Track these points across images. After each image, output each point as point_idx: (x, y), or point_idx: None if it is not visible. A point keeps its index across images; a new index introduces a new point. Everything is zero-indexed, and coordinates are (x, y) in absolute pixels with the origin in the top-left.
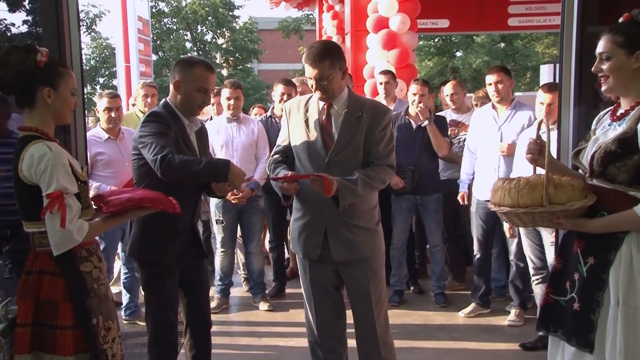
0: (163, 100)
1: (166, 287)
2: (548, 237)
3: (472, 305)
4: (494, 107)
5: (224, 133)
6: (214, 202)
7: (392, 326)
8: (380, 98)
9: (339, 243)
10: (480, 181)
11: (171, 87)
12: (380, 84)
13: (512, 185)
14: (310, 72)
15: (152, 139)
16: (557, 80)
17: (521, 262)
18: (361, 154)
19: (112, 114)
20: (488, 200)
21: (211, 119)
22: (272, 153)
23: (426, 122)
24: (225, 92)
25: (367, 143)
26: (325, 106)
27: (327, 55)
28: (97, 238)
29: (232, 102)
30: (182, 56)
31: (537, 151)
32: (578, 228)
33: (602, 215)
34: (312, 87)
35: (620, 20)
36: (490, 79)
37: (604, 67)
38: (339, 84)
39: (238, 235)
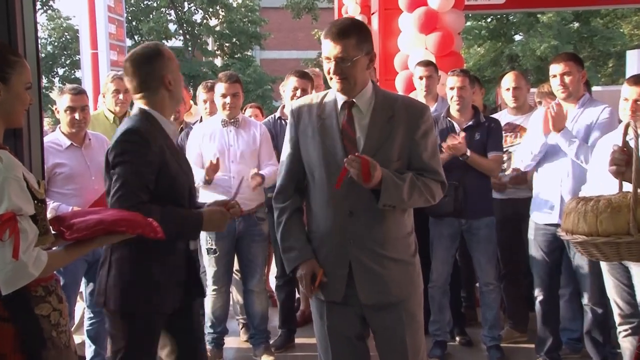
0: (137, 110)
1: (154, 344)
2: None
3: None
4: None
5: (219, 139)
6: None
7: None
8: (419, 96)
9: (367, 281)
10: (540, 199)
11: (158, 87)
12: (420, 78)
13: (589, 207)
14: (330, 49)
15: (123, 177)
16: None
17: (599, 307)
18: (395, 166)
19: (76, 115)
20: (551, 225)
21: (201, 120)
22: (275, 195)
23: (463, 158)
24: (221, 88)
25: (404, 153)
26: (345, 104)
27: (355, 31)
28: (56, 272)
29: (228, 100)
30: (143, 48)
31: (624, 161)
32: None
33: None
34: (328, 73)
35: None
36: (556, 69)
37: None
38: (363, 73)
39: (235, 269)
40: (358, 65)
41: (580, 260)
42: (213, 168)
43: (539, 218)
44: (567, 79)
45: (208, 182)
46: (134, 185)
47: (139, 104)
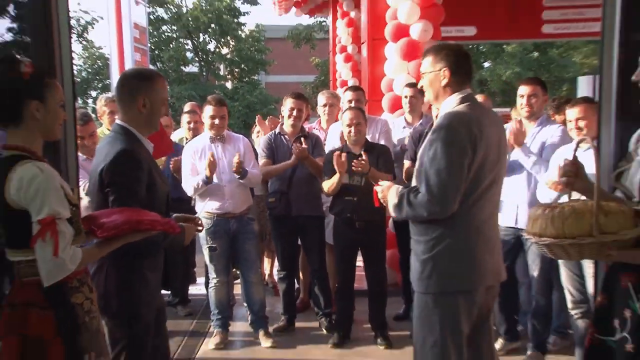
0: (117, 127)
1: (149, 325)
2: (590, 266)
3: (499, 342)
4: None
5: (205, 152)
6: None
7: None
8: (405, 112)
9: None
10: (502, 205)
11: (132, 106)
12: (405, 97)
13: (556, 213)
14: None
15: (119, 195)
16: (596, 94)
17: (542, 298)
18: None
19: (85, 142)
20: (510, 227)
21: (186, 140)
22: None
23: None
24: (209, 110)
25: None
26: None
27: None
28: (87, 266)
29: (217, 121)
30: (129, 71)
31: (573, 173)
32: (631, 260)
33: None
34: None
35: None
36: (524, 90)
37: None
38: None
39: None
40: None
41: (531, 258)
42: (211, 165)
43: (501, 221)
44: (532, 100)
45: (209, 179)
46: (126, 202)
47: (118, 118)
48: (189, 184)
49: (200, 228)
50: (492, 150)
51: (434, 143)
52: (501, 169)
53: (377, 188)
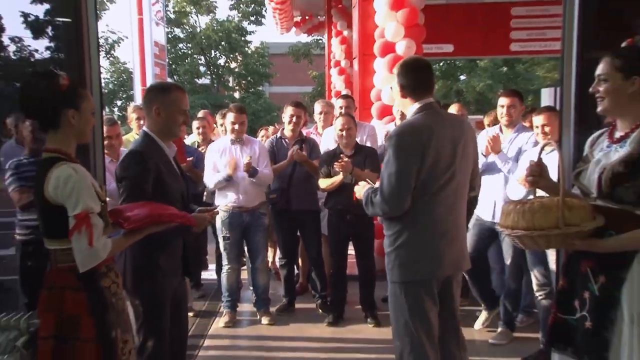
0: (141, 132)
1: (165, 314)
2: (552, 253)
3: (484, 314)
4: (501, 129)
5: (228, 154)
6: (219, 219)
7: None
8: (396, 120)
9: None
10: (481, 202)
11: (150, 114)
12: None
13: (526, 208)
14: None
15: (126, 188)
16: (558, 103)
17: (513, 282)
18: None
19: (112, 142)
20: (486, 220)
21: (198, 143)
22: None
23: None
24: (230, 117)
25: None
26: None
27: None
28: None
29: (237, 126)
30: (152, 84)
31: (539, 173)
32: (591, 248)
33: (611, 235)
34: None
35: (623, 44)
36: (504, 101)
37: (601, 88)
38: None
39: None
40: None
41: (505, 248)
42: (233, 165)
43: (480, 214)
44: (511, 110)
45: (230, 177)
46: (134, 195)
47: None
48: (211, 179)
49: (210, 218)
50: (445, 153)
51: (388, 149)
52: (458, 168)
53: (356, 188)
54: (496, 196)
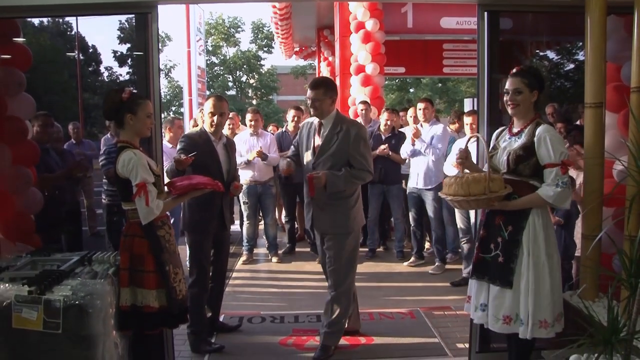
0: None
1: (204, 246)
2: (472, 211)
3: (412, 258)
4: (421, 125)
5: (248, 143)
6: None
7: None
8: (360, 119)
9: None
10: (411, 176)
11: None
12: (361, 110)
13: (463, 180)
14: (308, 94)
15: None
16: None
17: (438, 231)
18: (340, 159)
19: (172, 132)
20: (415, 188)
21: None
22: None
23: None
24: (248, 116)
25: (346, 151)
26: (318, 123)
27: (322, 84)
28: (167, 213)
29: (252, 123)
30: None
31: (465, 157)
32: (503, 207)
33: (515, 198)
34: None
35: (514, 71)
36: (420, 105)
37: (518, 98)
38: (327, 107)
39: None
40: (324, 104)
41: (429, 209)
42: (254, 155)
43: (410, 183)
44: (426, 112)
45: (248, 161)
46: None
47: None
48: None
49: (238, 190)
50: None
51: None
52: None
53: (314, 177)
54: (420, 170)
